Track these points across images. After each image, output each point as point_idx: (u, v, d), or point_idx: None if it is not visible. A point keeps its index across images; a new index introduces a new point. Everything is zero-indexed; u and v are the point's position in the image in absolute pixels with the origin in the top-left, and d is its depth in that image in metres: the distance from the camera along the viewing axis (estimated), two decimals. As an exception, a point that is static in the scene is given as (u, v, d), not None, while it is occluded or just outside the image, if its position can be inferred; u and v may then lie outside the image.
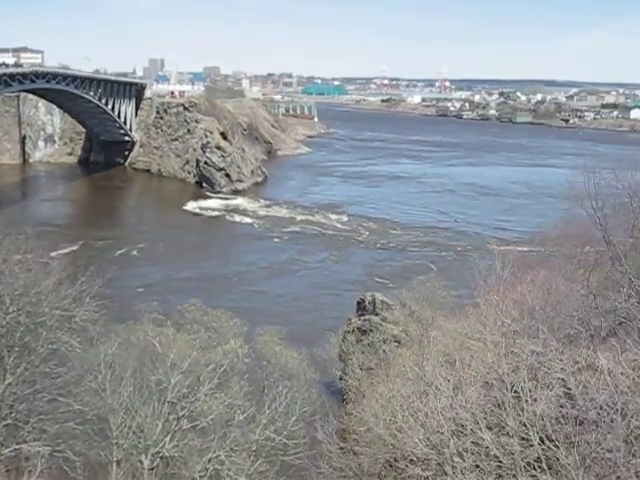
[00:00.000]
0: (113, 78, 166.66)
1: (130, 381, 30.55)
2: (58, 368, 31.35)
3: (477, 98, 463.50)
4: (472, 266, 42.34)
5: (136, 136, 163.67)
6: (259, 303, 70.54)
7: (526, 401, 23.12)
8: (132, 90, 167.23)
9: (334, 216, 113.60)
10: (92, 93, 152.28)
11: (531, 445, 22.41)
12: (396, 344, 38.84)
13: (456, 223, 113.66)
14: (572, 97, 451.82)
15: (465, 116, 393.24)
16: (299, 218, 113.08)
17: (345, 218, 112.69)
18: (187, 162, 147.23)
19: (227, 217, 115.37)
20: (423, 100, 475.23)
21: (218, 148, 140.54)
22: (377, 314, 41.33)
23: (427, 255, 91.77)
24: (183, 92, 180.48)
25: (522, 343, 26.40)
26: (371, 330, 40.12)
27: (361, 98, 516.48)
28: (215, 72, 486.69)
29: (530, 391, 23.28)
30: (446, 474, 23.92)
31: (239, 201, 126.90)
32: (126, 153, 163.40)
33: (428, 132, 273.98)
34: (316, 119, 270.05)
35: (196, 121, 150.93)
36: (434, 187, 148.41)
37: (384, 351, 37.82)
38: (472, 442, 23.57)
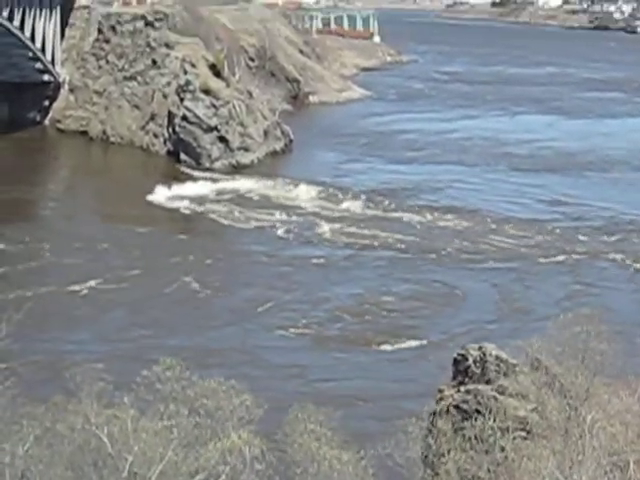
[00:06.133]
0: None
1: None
2: None
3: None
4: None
5: (63, 74, 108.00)
6: (287, 371, 46.21)
7: None
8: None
9: (416, 216, 73.60)
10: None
11: None
12: (524, 435, 26.82)
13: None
14: None
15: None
16: (363, 218, 72.61)
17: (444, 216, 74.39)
18: (152, 118, 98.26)
19: (225, 213, 75.30)
20: (565, 2, 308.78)
21: (206, 92, 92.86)
22: (489, 381, 28.67)
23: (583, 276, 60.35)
24: None
25: None
26: (478, 411, 27.74)
27: (456, 0, 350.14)
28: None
29: None
30: None
31: (246, 184, 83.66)
32: (46, 103, 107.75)
33: (577, 59, 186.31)
34: (377, 38, 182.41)
35: (167, 45, 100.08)
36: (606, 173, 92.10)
37: (502, 448, 25.86)
38: None
